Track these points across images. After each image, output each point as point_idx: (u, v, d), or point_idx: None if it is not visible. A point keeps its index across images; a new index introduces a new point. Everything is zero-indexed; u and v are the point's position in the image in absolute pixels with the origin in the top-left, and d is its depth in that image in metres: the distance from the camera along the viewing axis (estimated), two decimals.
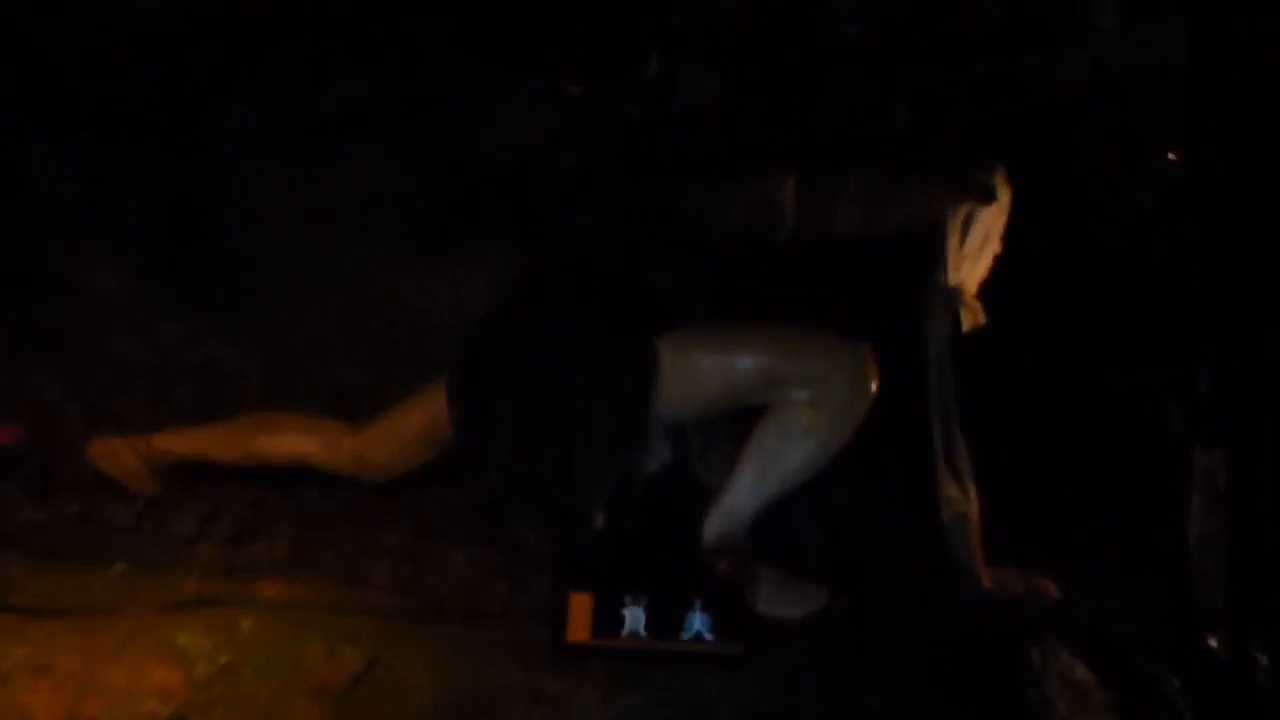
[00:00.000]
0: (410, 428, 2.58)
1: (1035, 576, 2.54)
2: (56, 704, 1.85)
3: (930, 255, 2.48)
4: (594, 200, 2.85)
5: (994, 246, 2.58)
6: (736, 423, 2.43)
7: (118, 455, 2.62)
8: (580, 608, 2.15)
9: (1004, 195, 2.53)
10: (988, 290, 2.62)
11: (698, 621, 2.15)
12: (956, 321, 2.53)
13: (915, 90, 2.96)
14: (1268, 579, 2.23)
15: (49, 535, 2.49)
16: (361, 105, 3.06)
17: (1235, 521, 2.26)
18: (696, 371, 2.35)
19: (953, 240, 2.49)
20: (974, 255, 2.53)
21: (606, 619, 2.14)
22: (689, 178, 2.61)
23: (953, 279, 2.50)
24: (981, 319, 2.56)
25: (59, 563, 2.38)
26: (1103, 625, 2.37)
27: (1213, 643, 2.23)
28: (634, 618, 2.15)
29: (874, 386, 2.32)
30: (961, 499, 2.47)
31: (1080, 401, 2.82)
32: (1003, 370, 2.77)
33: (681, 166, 2.68)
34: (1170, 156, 2.66)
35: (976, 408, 2.56)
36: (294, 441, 2.62)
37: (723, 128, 2.77)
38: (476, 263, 3.11)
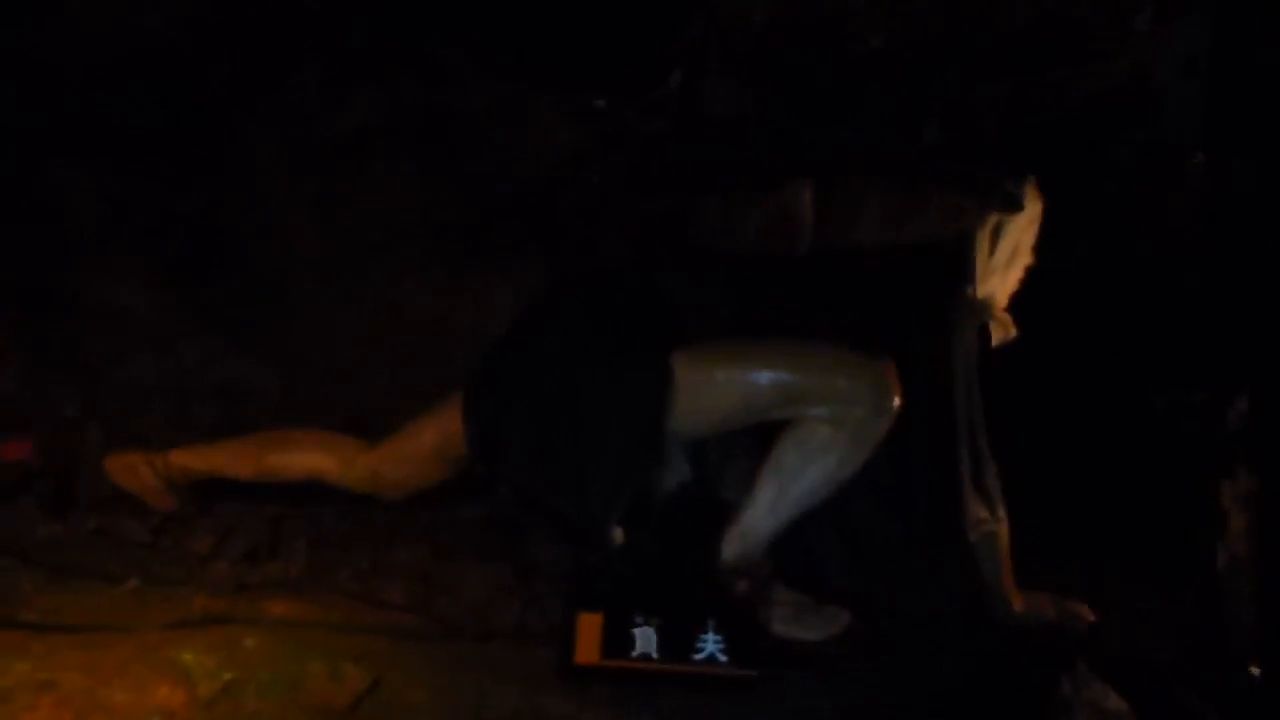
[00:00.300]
0: (425, 444, 2.54)
1: (1069, 601, 2.46)
2: None
3: (957, 267, 2.41)
4: (611, 214, 2.81)
5: (1025, 259, 2.50)
6: (757, 439, 2.38)
7: (135, 470, 2.61)
8: (589, 628, 2.09)
9: (1035, 206, 2.45)
10: (1019, 304, 2.54)
11: (711, 643, 2.08)
12: (985, 336, 2.46)
13: (946, 102, 2.90)
14: None
15: (64, 551, 2.48)
16: (383, 123, 3.05)
17: (1269, 545, 2.16)
18: (712, 387, 2.30)
19: (981, 252, 2.42)
20: (1003, 267, 2.46)
21: (616, 640, 2.08)
22: (703, 190, 2.55)
23: (981, 291, 2.42)
24: (1012, 333, 2.49)
25: (73, 578, 2.36)
26: (1138, 653, 2.28)
27: (1253, 671, 2.13)
28: (645, 639, 2.08)
29: (896, 403, 2.26)
30: (989, 520, 2.39)
31: (1115, 422, 2.73)
32: (1035, 388, 2.70)
33: (695, 179, 2.63)
34: (1197, 160, 2.56)
35: (1007, 426, 2.49)
36: (309, 458, 2.60)
37: (740, 139, 2.72)
38: (498, 280, 3.09)
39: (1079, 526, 2.62)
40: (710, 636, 2.09)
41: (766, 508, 2.33)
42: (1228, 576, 2.25)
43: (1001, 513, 2.41)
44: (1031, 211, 2.44)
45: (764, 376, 2.29)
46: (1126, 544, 2.59)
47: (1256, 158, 2.37)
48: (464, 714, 1.91)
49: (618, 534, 2.35)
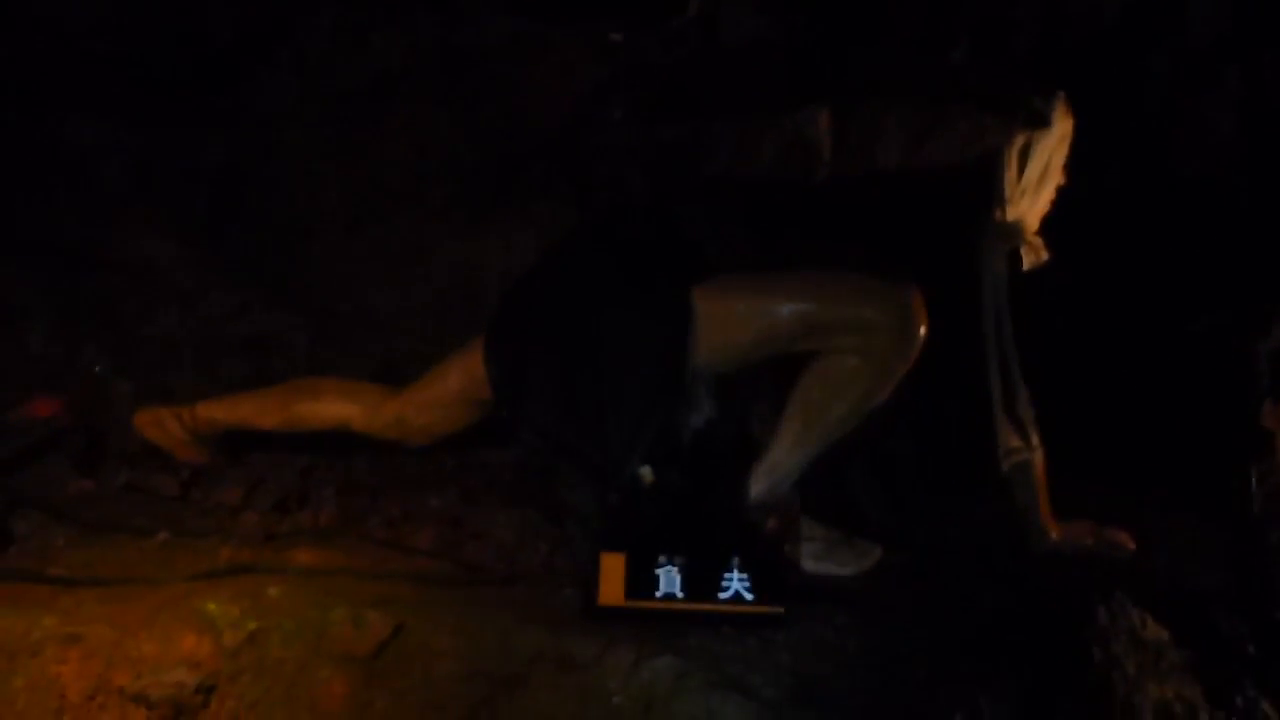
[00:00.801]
0: (449, 389, 2.52)
1: (1108, 529, 2.39)
2: (86, 673, 1.83)
3: (984, 189, 2.33)
4: (631, 149, 2.75)
5: (1056, 178, 2.40)
6: (783, 373, 2.33)
7: (163, 424, 2.62)
8: (613, 569, 2.06)
9: (1065, 123, 2.35)
10: (1052, 225, 2.44)
11: (736, 581, 2.05)
12: (1016, 260, 2.37)
13: (975, 19, 2.80)
14: None
15: (95, 506, 2.49)
16: (402, 66, 3.03)
17: None
18: (733, 320, 2.25)
19: (1010, 172, 2.33)
20: (1033, 188, 2.36)
21: (640, 580, 2.05)
22: (713, 116, 2.48)
23: (1011, 214, 2.34)
24: (1044, 256, 2.40)
25: (103, 533, 2.38)
26: (1180, 581, 2.21)
27: None
28: (669, 579, 2.05)
29: (922, 331, 2.19)
30: (1023, 448, 2.33)
31: (1153, 345, 2.64)
32: (1072, 312, 2.61)
33: (713, 107, 2.55)
34: None
35: (1043, 352, 2.41)
36: (335, 406, 2.59)
37: (759, 65, 2.64)
38: (523, 222, 3.06)
39: (1117, 453, 2.55)
40: (735, 574, 2.05)
41: (793, 442, 2.28)
42: (1267, 502, 2.17)
43: (1036, 440, 2.35)
44: (1062, 129, 2.33)
45: (786, 308, 2.23)
46: (1165, 470, 2.51)
47: None
48: (487, 657, 1.89)
49: (646, 473, 2.32)
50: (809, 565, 2.30)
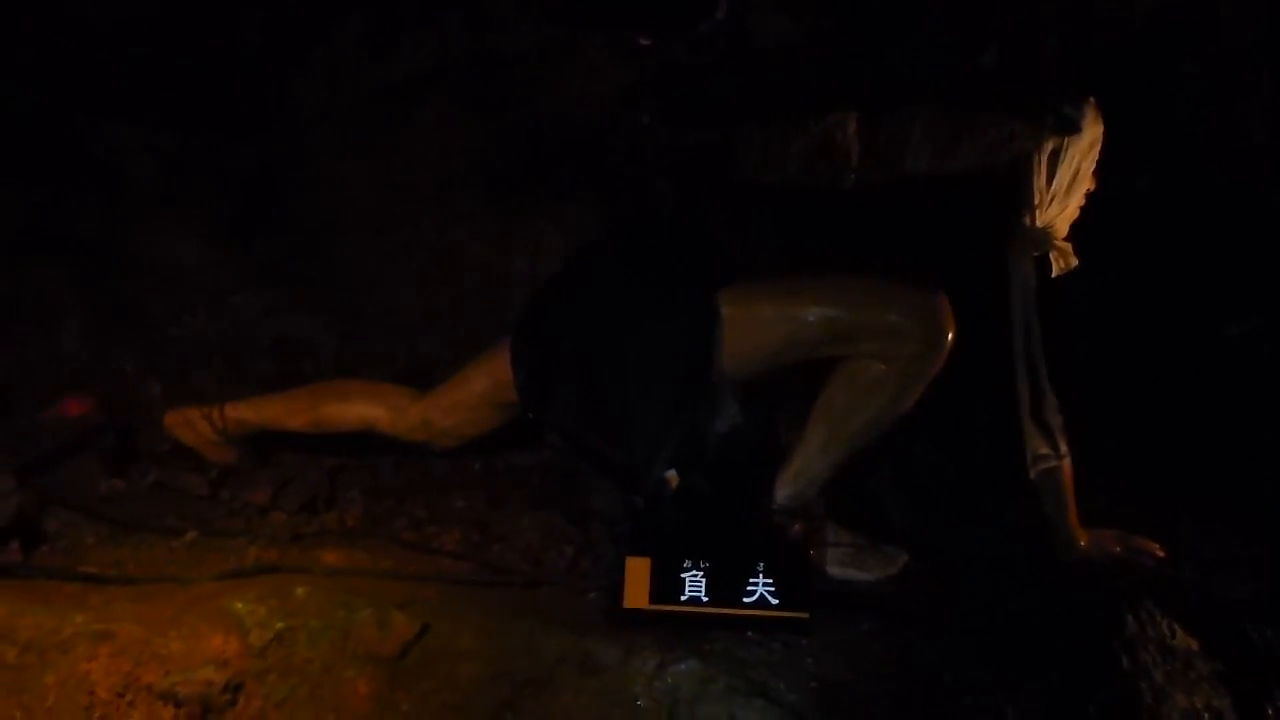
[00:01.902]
0: (475, 391, 2.54)
1: (1136, 538, 2.37)
2: (115, 670, 1.84)
3: (1013, 195, 2.31)
4: (660, 153, 2.75)
5: (1086, 184, 2.38)
6: (810, 379, 2.32)
7: (192, 425, 2.64)
8: (638, 573, 2.06)
9: (1095, 128, 2.33)
10: (1082, 231, 2.43)
11: (761, 586, 2.05)
12: (1045, 265, 2.36)
13: (1007, 23, 2.78)
14: None
15: (126, 505, 2.52)
16: (431, 70, 3.03)
17: None
18: (759, 325, 2.25)
19: (1039, 178, 2.32)
20: (1063, 194, 2.34)
21: (665, 584, 2.05)
22: (741, 121, 2.48)
23: (1040, 219, 2.33)
24: (1074, 262, 2.39)
25: (134, 532, 2.40)
26: (1209, 590, 2.19)
27: None
28: (694, 583, 2.05)
29: (950, 337, 2.18)
30: (1051, 455, 2.31)
31: (1185, 353, 2.61)
32: (1102, 318, 2.59)
33: (741, 112, 2.55)
34: None
35: (1073, 358, 2.40)
36: (361, 408, 2.61)
37: (788, 70, 2.63)
38: (550, 226, 3.07)
39: (1147, 460, 2.53)
40: (760, 579, 2.05)
41: (819, 448, 2.28)
42: None
43: (1064, 448, 2.33)
44: (1092, 134, 2.32)
45: (812, 313, 2.23)
46: (1197, 479, 2.49)
47: None
48: (511, 659, 1.89)
49: (672, 477, 2.32)
50: (834, 571, 2.30)
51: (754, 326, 2.24)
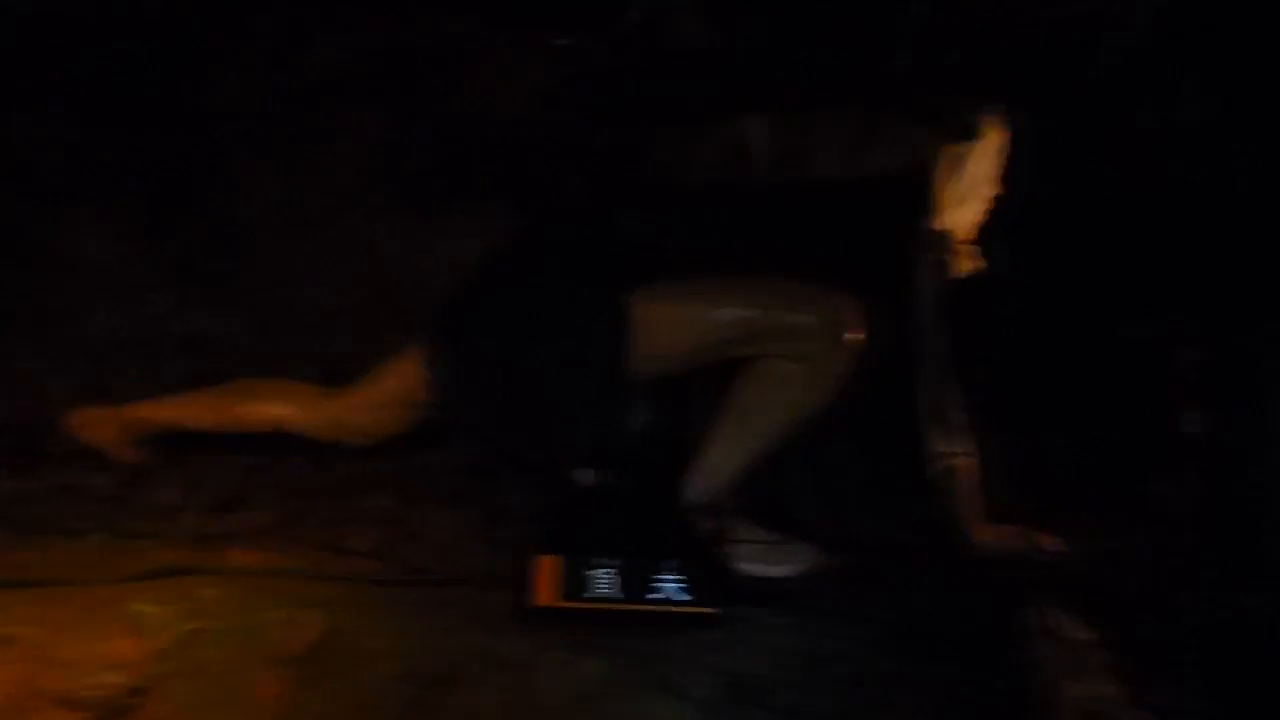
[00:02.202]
0: (387, 390, 2.53)
1: (1037, 533, 2.44)
2: (17, 676, 1.82)
3: (918, 199, 2.37)
4: (574, 154, 2.77)
5: (988, 189, 2.44)
6: (722, 377, 2.35)
7: (98, 424, 2.61)
8: (548, 571, 2.08)
9: (996, 136, 2.39)
10: (987, 235, 2.49)
11: (670, 582, 2.08)
12: (947, 268, 2.41)
13: (916, 30, 2.83)
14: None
15: (30, 507, 2.49)
16: (346, 67, 3.00)
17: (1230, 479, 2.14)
18: (670, 326, 2.27)
19: (942, 183, 2.37)
20: (966, 198, 2.40)
21: (575, 581, 2.07)
22: (656, 122, 2.50)
23: (941, 223, 2.38)
24: (977, 265, 2.44)
25: (38, 534, 2.36)
26: (1106, 583, 2.26)
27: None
28: (604, 580, 2.08)
29: (855, 337, 2.23)
30: (952, 453, 2.36)
31: (1087, 351, 2.69)
32: (1004, 319, 2.66)
33: (655, 113, 2.58)
34: None
35: (976, 358, 2.46)
36: (272, 407, 2.59)
37: (702, 73, 2.66)
38: (468, 225, 3.04)
39: (1052, 457, 2.60)
40: (670, 575, 2.08)
41: (729, 445, 2.32)
42: (1185, 507, 2.24)
43: (966, 446, 2.39)
44: (992, 142, 2.38)
45: (723, 314, 2.27)
46: (1101, 474, 2.56)
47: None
48: (420, 658, 1.90)
49: (586, 476, 2.34)
50: (746, 567, 2.33)
51: (665, 327, 2.27)
